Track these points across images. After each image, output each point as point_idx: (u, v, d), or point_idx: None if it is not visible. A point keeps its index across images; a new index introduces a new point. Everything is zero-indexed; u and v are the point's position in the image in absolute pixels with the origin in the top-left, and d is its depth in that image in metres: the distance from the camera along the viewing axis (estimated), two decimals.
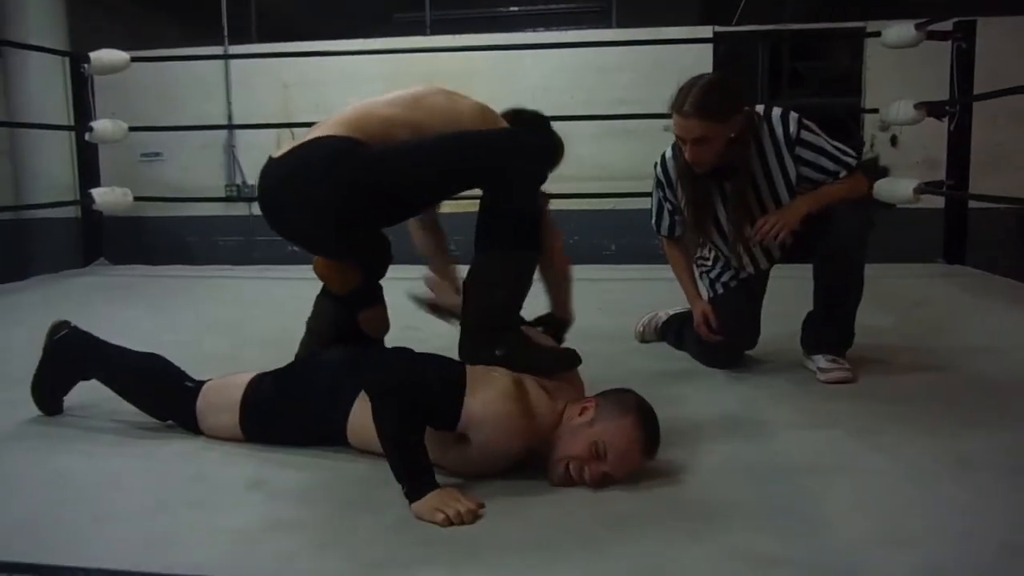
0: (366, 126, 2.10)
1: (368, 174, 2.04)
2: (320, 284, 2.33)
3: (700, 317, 2.65)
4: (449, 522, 1.60)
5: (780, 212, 2.44)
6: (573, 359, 2.05)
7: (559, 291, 2.37)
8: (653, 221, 2.78)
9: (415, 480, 1.68)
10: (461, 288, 2.18)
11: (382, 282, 2.33)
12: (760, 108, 2.49)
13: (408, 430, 1.72)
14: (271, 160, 2.14)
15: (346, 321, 2.27)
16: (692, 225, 2.59)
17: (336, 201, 2.05)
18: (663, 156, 2.64)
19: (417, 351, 1.93)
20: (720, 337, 2.62)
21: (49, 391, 2.27)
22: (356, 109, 2.17)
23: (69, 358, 2.22)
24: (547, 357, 2.02)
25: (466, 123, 2.19)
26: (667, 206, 2.70)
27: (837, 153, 2.49)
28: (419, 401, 1.73)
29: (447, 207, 2.57)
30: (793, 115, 2.45)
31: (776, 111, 2.47)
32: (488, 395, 1.77)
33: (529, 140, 2.15)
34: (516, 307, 2.09)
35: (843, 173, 2.47)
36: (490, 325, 2.04)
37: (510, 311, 2.08)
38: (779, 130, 2.44)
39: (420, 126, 2.14)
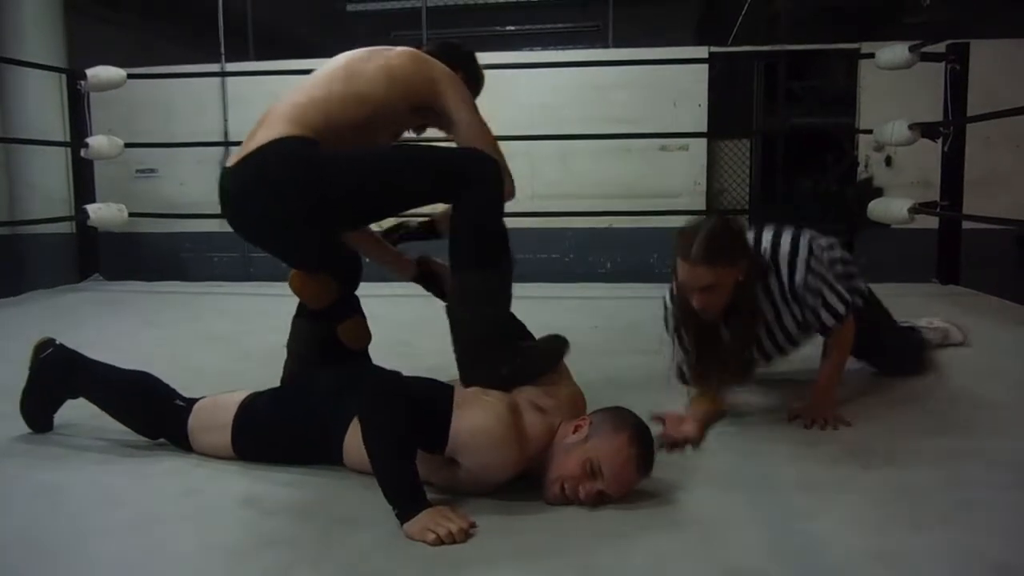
0: (308, 116, 2.11)
1: (326, 178, 2.06)
2: (295, 305, 2.33)
3: (678, 433, 2.21)
4: (440, 542, 1.60)
5: (814, 408, 2.32)
6: (560, 348, 2.10)
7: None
8: (677, 372, 2.46)
9: (406, 500, 1.67)
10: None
11: (364, 298, 2.33)
12: (769, 232, 2.33)
13: (398, 450, 1.71)
14: (226, 170, 2.14)
15: (326, 336, 2.26)
16: (697, 375, 2.39)
17: (298, 206, 2.06)
18: (664, 301, 2.47)
19: (407, 373, 1.93)
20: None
21: (38, 409, 2.26)
22: (294, 100, 2.16)
23: (56, 378, 2.20)
24: (539, 360, 2.06)
25: (399, 77, 2.23)
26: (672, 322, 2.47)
27: (833, 301, 2.30)
28: (407, 421, 1.72)
29: None
30: (802, 256, 2.27)
31: (784, 248, 2.29)
32: (477, 420, 1.76)
33: (486, 160, 2.13)
34: (505, 323, 2.13)
35: (832, 324, 2.32)
36: (487, 350, 2.04)
37: (500, 328, 2.10)
38: (785, 274, 2.29)
39: (360, 95, 2.17)
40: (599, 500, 1.76)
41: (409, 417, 1.72)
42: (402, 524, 1.65)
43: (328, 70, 2.26)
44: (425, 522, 1.63)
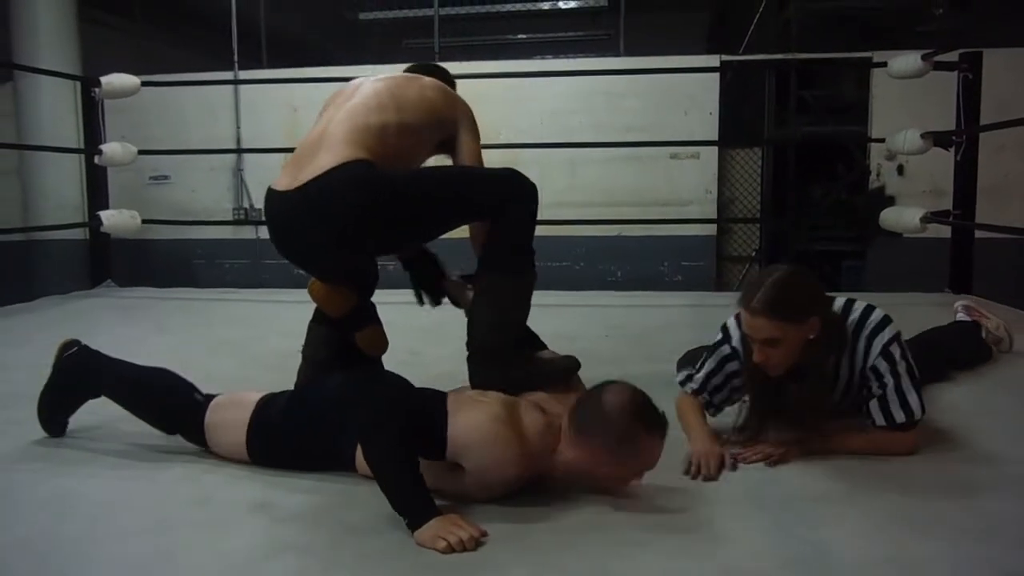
0: (367, 141, 2.15)
1: (389, 199, 2.11)
2: (304, 311, 2.34)
3: (707, 459, 2.06)
4: (451, 549, 1.60)
5: (823, 440, 2.12)
6: (573, 364, 2.18)
7: None
8: (701, 377, 2.29)
9: (415, 508, 1.68)
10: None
11: (378, 304, 2.34)
12: (860, 307, 2.16)
13: (400, 460, 1.72)
14: (285, 194, 2.14)
15: (341, 343, 2.28)
16: (748, 424, 2.20)
17: (366, 225, 2.11)
18: (731, 327, 2.25)
19: (417, 381, 1.94)
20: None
21: (56, 410, 2.27)
22: (353, 125, 2.18)
23: (79, 375, 2.23)
24: (551, 370, 2.14)
25: (435, 112, 2.34)
26: (734, 382, 2.26)
27: (893, 404, 2.09)
28: (405, 431, 1.74)
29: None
30: (881, 339, 2.09)
31: (869, 324, 2.12)
32: (472, 419, 1.79)
33: (526, 181, 2.26)
34: (519, 329, 2.22)
35: (881, 423, 2.10)
36: (497, 348, 2.14)
37: (516, 334, 2.19)
38: (860, 355, 2.11)
39: (408, 126, 2.25)
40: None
41: (407, 427, 1.74)
42: (413, 532, 1.65)
43: (376, 97, 2.27)
44: (436, 529, 1.63)
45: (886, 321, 2.13)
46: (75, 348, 2.26)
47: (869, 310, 2.14)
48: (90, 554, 1.63)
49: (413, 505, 1.68)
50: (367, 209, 2.09)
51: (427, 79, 2.43)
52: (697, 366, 2.33)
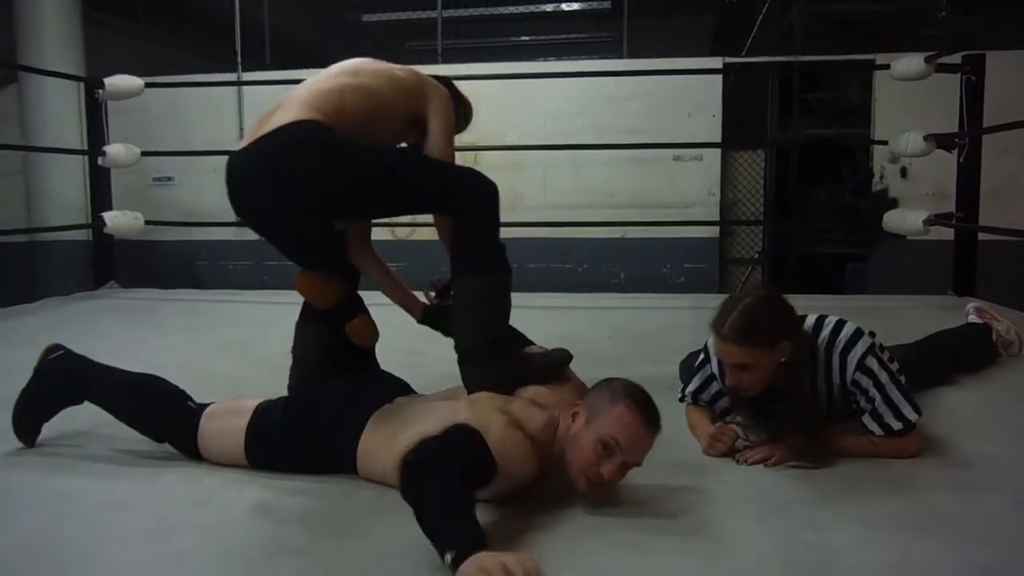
0: (324, 105, 2.16)
1: (342, 161, 2.12)
2: (296, 314, 2.35)
3: (720, 433, 2.18)
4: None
5: (825, 443, 2.13)
6: (564, 356, 2.18)
7: None
8: (691, 391, 2.36)
9: (462, 543, 1.46)
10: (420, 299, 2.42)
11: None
12: (830, 323, 2.15)
13: (453, 486, 1.58)
14: (237, 154, 2.17)
15: (331, 341, 2.29)
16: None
17: (312, 187, 2.11)
18: (711, 347, 2.27)
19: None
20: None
21: (33, 416, 2.21)
22: (309, 89, 2.23)
23: (62, 379, 2.19)
24: (545, 363, 2.15)
25: (405, 80, 2.34)
26: (722, 401, 2.32)
27: (887, 415, 2.09)
28: (456, 463, 1.62)
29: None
30: (855, 354, 2.09)
31: (841, 341, 2.12)
32: (493, 436, 1.75)
33: (487, 180, 2.25)
34: (503, 326, 2.21)
35: (879, 434, 2.10)
36: (485, 347, 2.13)
37: (501, 330, 2.19)
38: (836, 371, 2.12)
39: (367, 87, 2.25)
40: (624, 471, 1.79)
41: (457, 460, 1.63)
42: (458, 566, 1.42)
43: (334, 69, 2.34)
44: (483, 560, 1.43)
45: (857, 335, 2.12)
46: (59, 352, 2.22)
47: (840, 326, 2.15)
48: (91, 556, 1.63)
49: (466, 532, 1.51)
50: (315, 169, 2.09)
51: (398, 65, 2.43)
52: (684, 382, 2.41)
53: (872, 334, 2.14)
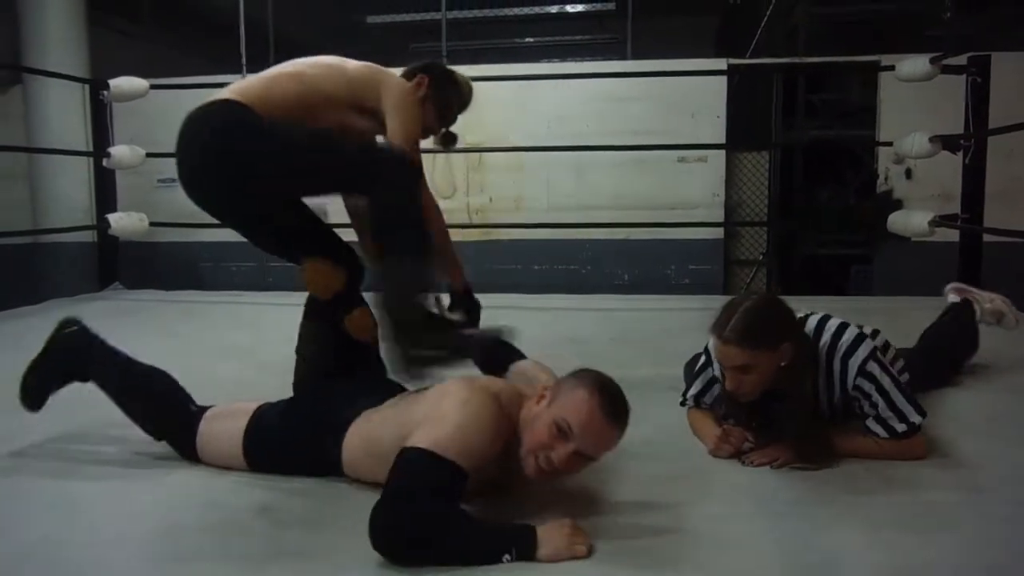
0: (250, 90, 2.20)
1: (245, 139, 2.13)
2: (300, 315, 2.37)
3: (726, 435, 2.19)
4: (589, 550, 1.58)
5: (832, 444, 2.12)
6: (501, 331, 2.20)
7: (449, 266, 2.59)
8: (692, 395, 2.38)
9: (514, 537, 1.58)
10: None
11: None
12: (832, 327, 2.16)
13: (448, 522, 1.60)
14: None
15: (335, 339, 2.29)
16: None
17: (220, 166, 2.15)
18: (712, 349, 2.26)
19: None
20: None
21: (40, 383, 2.21)
22: (239, 79, 2.30)
23: (73, 354, 2.19)
24: (472, 343, 2.14)
25: (350, 71, 2.36)
26: (719, 388, 2.27)
27: (891, 419, 2.10)
28: (434, 501, 1.61)
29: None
30: (856, 359, 2.10)
31: (842, 346, 2.12)
32: (454, 419, 1.68)
33: (404, 164, 2.20)
34: (425, 304, 2.19)
35: (885, 437, 2.11)
36: (409, 327, 2.09)
37: (421, 310, 2.17)
38: (837, 377, 2.13)
39: (301, 75, 2.27)
40: (578, 463, 1.72)
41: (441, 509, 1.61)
42: (534, 558, 1.56)
43: (278, 65, 2.38)
44: (556, 540, 1.58)
45: (859, 339, 2.13)
46: (75, 327, 2.23)
47: (841, 330, 2.15)
48: (99, 557, 1.63)
49: (506, 536, 1.60)
50: (220, 145, 2.13)
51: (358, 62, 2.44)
52: (687, 384, 2.39)
53: (875, 334, 2.13)
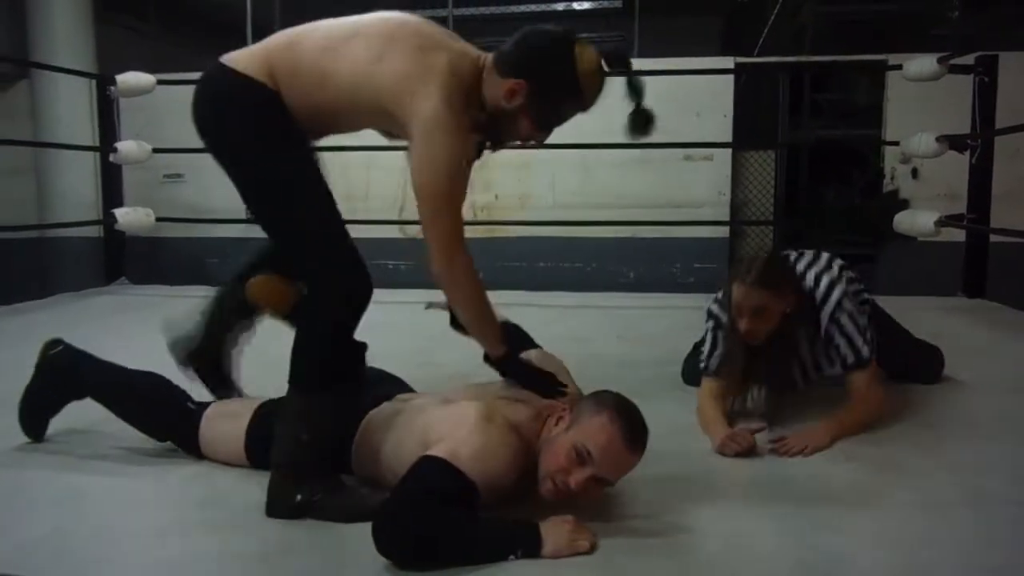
0: (277, 63, 1.95)
1: (223, 139, 2.11)
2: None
3: (733, 436, 2.24)
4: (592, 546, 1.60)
5: (805, 436, 2.24)
6: (365, 508, 1.74)
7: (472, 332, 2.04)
8: (705, 361, 2.54)
9: (519, 536, 1.61)
10: None
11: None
12: (824, 283, 2.47)
13: (455, 524, 1.60)
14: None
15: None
16: (727, 372, 2.48)
17: (215, 143, 2.10)
18: (715, 302, 2.60)
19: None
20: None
21: (37, 412, 2.23)
22: (287, 38, 2.04)
23: (62, 375, 2.19)
24: (344, 510, 1.79)
25: (380, 86, 1.88)
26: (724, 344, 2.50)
27: (858, 342, 2.41)
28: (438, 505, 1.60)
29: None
30: (833, 297, 2.44)
31: (832, 300, 2.44)
32: (474, 445, 1.68)
33: (350, 283, 1.89)
34: (318, 451, 1.88)
35: (851, 360, 2.40)
36: (294, 470, 1.84)
37: (309, 456, 1.86)
38: (826, 313, 2.43)
39: (325, 75, 1.91)
40: (595, 487, 1.71)
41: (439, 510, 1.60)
42: (540, 554, 1.59)
43: (335, 28, 2.02)
44: (563, 536, 1.61)
45: (831, 288, 2.44)
46: (59, 347, 2.21)
47: (818, 280, 2.45)
48: (103, 553, 1.64)
49: (511, 534, 1.62)
50: (206, 124, 2.12)
51: (416, 43, 1.96)
52: (704, 351, 2.56)
53: (845, 270, 2.54)
